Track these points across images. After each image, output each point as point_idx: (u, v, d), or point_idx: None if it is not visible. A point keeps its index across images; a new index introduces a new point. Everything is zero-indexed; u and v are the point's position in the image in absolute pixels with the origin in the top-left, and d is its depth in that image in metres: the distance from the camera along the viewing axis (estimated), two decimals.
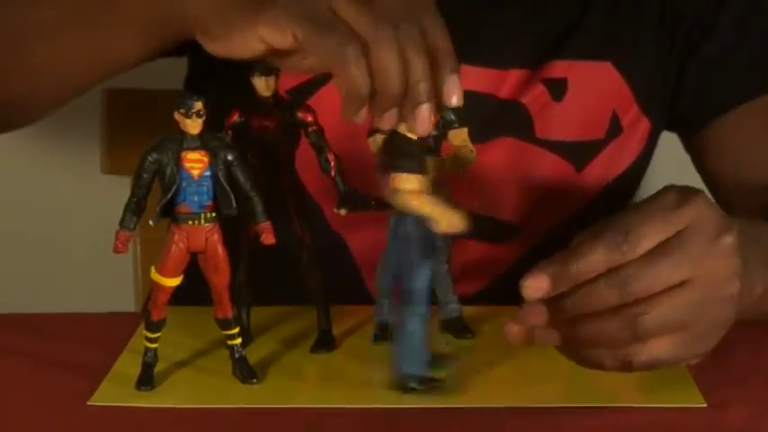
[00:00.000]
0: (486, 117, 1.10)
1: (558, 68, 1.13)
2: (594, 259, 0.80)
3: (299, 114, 0.91)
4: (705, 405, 0.86)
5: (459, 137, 0.96)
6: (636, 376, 0.89)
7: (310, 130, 0.92)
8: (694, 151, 1.20)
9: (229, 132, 0.91)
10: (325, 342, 0.95)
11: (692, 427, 0.84)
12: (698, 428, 0.84)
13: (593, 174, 1.14)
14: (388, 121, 0.82)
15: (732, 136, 1.16)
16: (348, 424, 0.85)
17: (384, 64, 0.81)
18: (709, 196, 0.86)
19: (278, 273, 1.12)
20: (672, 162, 1.21)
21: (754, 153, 1.16)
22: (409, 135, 0.84)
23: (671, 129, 1.21)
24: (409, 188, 0.84)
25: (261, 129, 0.91)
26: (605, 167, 1.15)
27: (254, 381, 0.89)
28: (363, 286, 1.12)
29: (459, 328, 0.97)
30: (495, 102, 1.12)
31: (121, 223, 0.85)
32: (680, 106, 1.19)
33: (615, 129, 1.15)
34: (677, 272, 0.80)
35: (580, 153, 1.14)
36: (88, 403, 0.86)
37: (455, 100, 0.83)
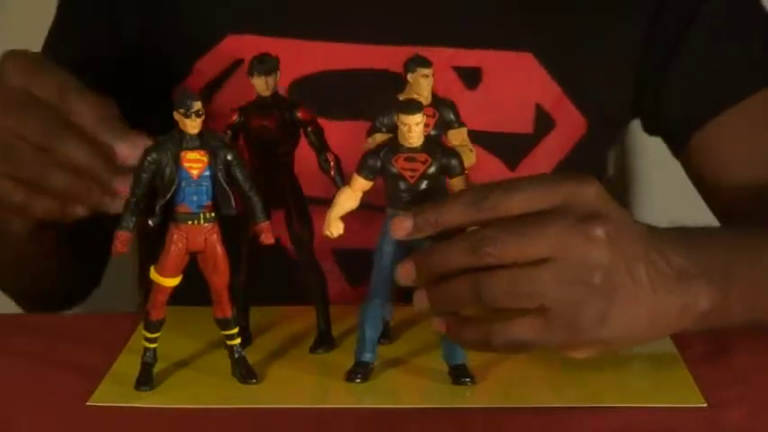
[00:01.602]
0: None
1: (472, 57, 1.11)
2: (452, 210, 0.81)
3: (299, 114, 0.91)
4: (705, 405, 0.85)
5: (458, 136, 0.96)
6: (636, 376, 0.89)
7: (309, 129, 0.91)
8: (684, 165, 1.18)
9: (228, 132, 0.91)
10: (325, 342, 0.94)
11: (691, 426, 0.84)
12: (698, 428, 0.83)
13: (528, 171, 1.11)
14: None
15: (716, 147, 1.15)
16: (348, 424, 0.85)
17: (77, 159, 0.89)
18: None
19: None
20: (669, 165, 1.21)
21: (741, 160, 1.14)
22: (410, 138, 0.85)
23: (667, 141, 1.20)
24: None
25: (260, 128, 0.91)
26: (543, 164, 1.13)
27: (254, 381, 0.89)
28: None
29: None
30: (390, 77, 1.09)
31: (121, 223, 0.85)
32: (661, 121, 1.17)
33: (545, 123, 1.12)
34: (533, 245, 0.79)
35: (508, 148, 1.11)
36: (87, 403, 0.86)
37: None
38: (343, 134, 1.00)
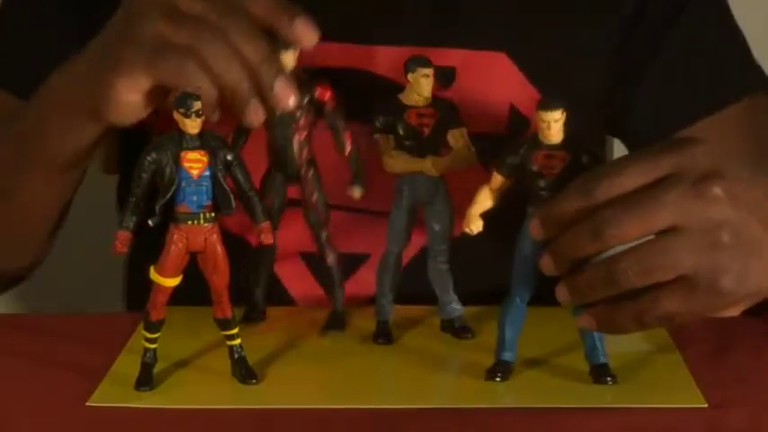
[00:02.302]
0: (365, 95, 1.03)
1: (447, 56, 1.10)
2: (568, 201, 0.81)
3: (317, 92, 0.91)
4: (706, 405, 0.85)
5: (458, 136, 0.96)
6: (636, 376, 0.89)
7: (328, 108, 0.91)
8: None
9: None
10: (337, 322, 0.94)
11: (692, 427, 0.83)
12: (698, 429, 0.83)
13: None
14: (253, 115, 0.87)
15: None
16: (348, 424, 0.85)
17: (220, 68, 0.86)
18: None
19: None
20: None
21: None
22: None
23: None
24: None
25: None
26: None
27: (254, 381, 0.89)
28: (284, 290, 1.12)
29: (459, 328, 0.97)
30: (370, 77, 1.10)
31: (120, 223, 0.85)
32: (630, 124, 1.16)
33: (518, 123, 1.11)
34: (654, 217, 0.79)
35: (481, 147, 1.08)
36: (87, 404, 0.86)
37: (309, 37, 0.87)
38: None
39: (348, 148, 0.91)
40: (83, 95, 0.94)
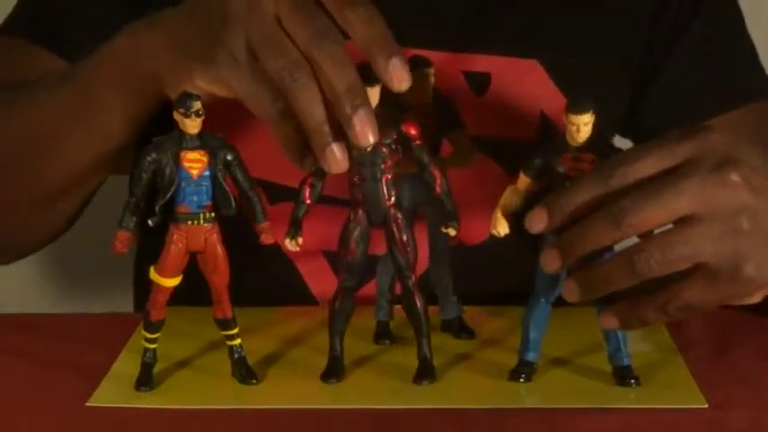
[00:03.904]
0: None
1: (481, 62, 1.10)
2: (581, 191, 0.80)
3: (403, 128, 0.88)
4: (706, 405, 0.85)
5: (458, 136, 0.96)
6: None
7: (414, 144, 0.88)
8: None
9: None
10: (427, 373, 0.89)
11: (693, 427, 0.83)
12: (699, 429, 0.83)
13: None
14: (331, 162, 0.82)
15: None
16: (348, 424, 0.84)
17: (305, 113, 0.82)
18: None
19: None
20: None
21: None
22: None
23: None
24: None
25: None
26: None
27: (254, 381, 0.89)
28: (309, 295, 1.12)
29: (459, 328, 0.97)
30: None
31: (120, 223, 0.85)
32: (641, 126, 1.17)
33: (548, 130, 1.11)
34: (672, 205, 0.78)
35: (509, 154, 1.09)
36: (87, 404, 0.86)
37: (403, 84, 0.82)
38: None
39: (439, 184, 0.89)
40: (151, 69, 0.91)
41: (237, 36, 0.84)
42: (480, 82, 1.10)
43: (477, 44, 1.10)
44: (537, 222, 0.82)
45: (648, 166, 0.80)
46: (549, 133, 1.11)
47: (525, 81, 1.11)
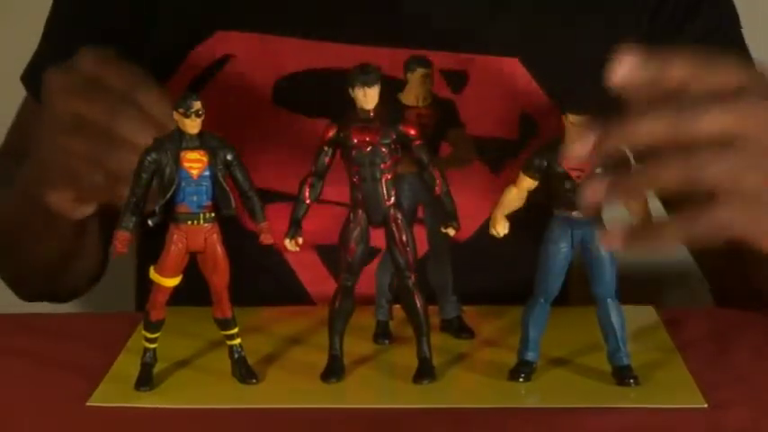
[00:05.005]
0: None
1: (458, 61, 1.10)
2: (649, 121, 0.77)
3: (402, 128, 0.88)
4: (705, 406, 0.85)
5: (457, 136, 0.96)
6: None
7: (414, 144, 0.88)
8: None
9: (326, 148, 0.88)
10: (427, 372, 0.89)
11: (692, 427, 0.83)
12: (698, 429, 0.83)
13: (513, 176, 1.10)
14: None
15: None
16: (348, 424, 0.85)
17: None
18: None
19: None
20: None
21: None
22: None
23: None
24: None
25: (361, 144, 0.87)
26: None
27: (254, 381, 0.89)
28: (301, 287, 1.13)
29: (458, 327, 0.97)
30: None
31: (120, 223, 0.85)
32: None
33: (530, 128, 1.11)
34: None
35: (492, 152, 1.10)
36: (87, 404, 0.86)
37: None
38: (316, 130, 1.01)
39: (438, 184, 0.89)
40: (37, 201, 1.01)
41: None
42: (457, 80, 1.10)
43: (455, 43, 1.10)
44: (580, 150, 0.78)
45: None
46: (530, 132, 1.11)
47: (504, 79, 1.11)
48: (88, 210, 1.00)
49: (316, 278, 1.11)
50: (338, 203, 0.97)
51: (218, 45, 1.12)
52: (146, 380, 0.88)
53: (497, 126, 1.10)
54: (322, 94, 1.09)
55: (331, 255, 1.07)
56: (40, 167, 1.01)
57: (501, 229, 0.88)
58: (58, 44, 1.17)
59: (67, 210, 1.00)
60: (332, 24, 1.11)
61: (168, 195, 0.85)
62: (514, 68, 1.11)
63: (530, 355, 0.89)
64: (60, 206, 0.99)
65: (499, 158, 1.11)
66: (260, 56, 1.11)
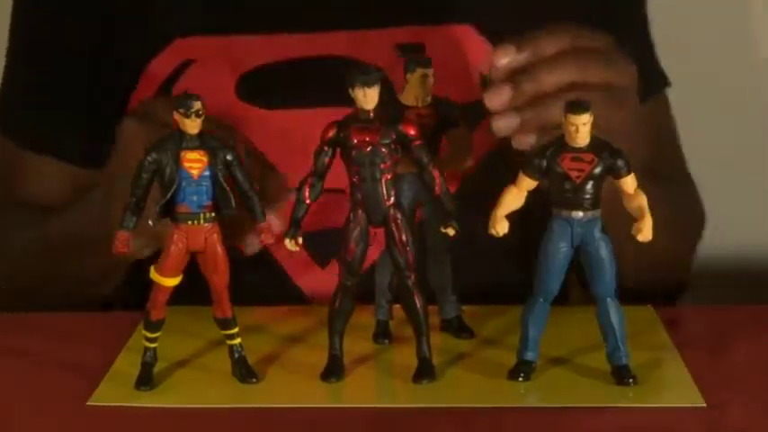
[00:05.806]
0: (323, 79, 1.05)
1: (413, 34, 1.11)
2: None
3: (402, 128, 0.88)
4: (704, 405, 0.85)
5: (458, 136, 0.96)
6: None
7: (414, 144, 0.88)
8: None
9: (326, 148, 0.88)
10: (427, 372, 0.89)
11: (691, 427, 0.84)
12: (697, 428, 0.83)
13: (486, 134, 1.06)
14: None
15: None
16: (348, 424, 0.85)
17: None
18: None
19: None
20: None
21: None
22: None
23: None
24: None
25: (361, 144, 0.87)
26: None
27: (254, 380, 0.89)
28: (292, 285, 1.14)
29: (458, 327, 0.97)
30: (333, 62, 1.11)
31: (121, 223, 0.86)
32: None
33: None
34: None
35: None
36: (87, 403, 0.86)
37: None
38: (286, 122, 1.06)
39: (438, 184, 0.88)
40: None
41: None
42: (414, 52, 1.10)
43: (407, 17, 1.12)
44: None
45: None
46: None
47: (461, 47, 1.12)
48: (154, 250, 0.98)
49: (297, 264, 1.12)
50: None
51: (178, 52, 1.14)
52: (146, 379, 0.88)
53: (459, 92, 1.10)
54: (285, 86, 1.11)
55: (315, 243, 1.07)
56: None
57: (501, 228, 0.88)
58: (26, 77, 1.20)
59: (136, 253, 0.99)
60: (288, 15, 1.13)
61: (168, 195, 0.85)
62: (469, 35, 1.13)
63: (529, 355, 0.89)
64: (133, 252, 0.95)
65: (469, 121, 1.12)
66: (220, 56, 1.13)
